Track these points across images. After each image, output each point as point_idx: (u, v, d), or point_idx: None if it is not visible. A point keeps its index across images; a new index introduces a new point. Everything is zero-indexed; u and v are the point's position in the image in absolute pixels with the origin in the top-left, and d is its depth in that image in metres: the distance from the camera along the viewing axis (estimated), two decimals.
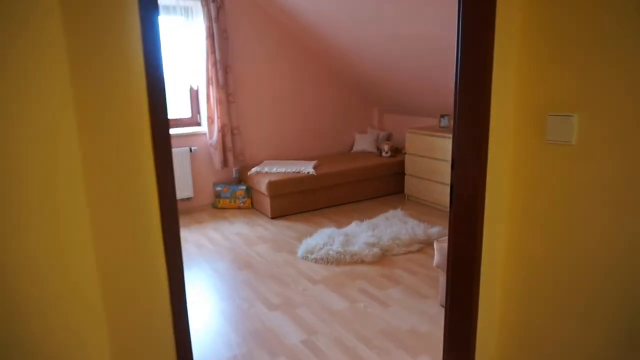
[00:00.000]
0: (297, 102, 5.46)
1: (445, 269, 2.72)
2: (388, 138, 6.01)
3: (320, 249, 3.58)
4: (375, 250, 3.54)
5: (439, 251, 2.68)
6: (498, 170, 1.61)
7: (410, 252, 3.63)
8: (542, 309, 1.64)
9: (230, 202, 4.96)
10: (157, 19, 1.21)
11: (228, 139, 4.86)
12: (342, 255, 3.48)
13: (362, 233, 3.86)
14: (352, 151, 5.91)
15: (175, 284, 1.42)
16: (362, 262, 3.46)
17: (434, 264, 2.76)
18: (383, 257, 3.55)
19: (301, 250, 3.63)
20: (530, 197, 1.59)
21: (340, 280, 3.18)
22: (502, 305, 1.76)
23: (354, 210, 4.80)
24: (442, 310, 2.71)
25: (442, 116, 4.80)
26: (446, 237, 2.76)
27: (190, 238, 4.12)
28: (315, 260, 3.49)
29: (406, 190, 5.15)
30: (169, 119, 1.33)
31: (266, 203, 4.63)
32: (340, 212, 4.75)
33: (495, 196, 1.63)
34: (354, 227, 4.05)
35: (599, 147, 1.38)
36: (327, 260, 3.47)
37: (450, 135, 4.55)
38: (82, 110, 1.17)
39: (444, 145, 4.54)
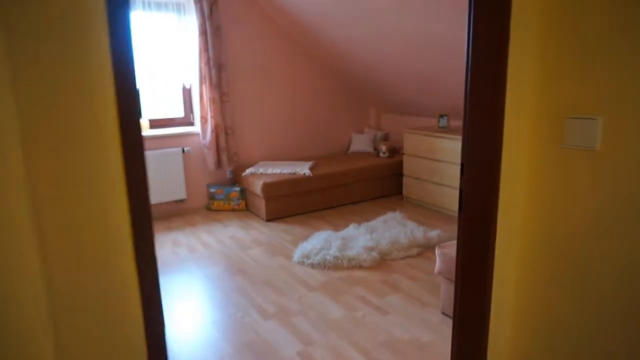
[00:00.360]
0: (293, 102, 5.34)
1: (447, 276, 2.62)
2: (385, 138, 5.90)
3: (317, 253, 3.46)
4: (374, 254, 3.42)
5: (441, 257, 2.57)
6: (512, 176, 1.48)
7: (409, 256, 3.52)
8: (558, 323, 1.52)
9: (224, 204, 4.83)
10: (127, 9, 1.09)
11: (222, 139, 4.73)
12: (340, 260, 3.36)
13: (359, 236, 3.74)
14: (349, 151, 5.80)
15: (148, 294, 1.29)
16: (360, 267, 3.35)
17: (435, 271, 2.65)
18: (382, 261, 3.43)
19: (297, 254, 3.51)
20: (546, 206, 1.47)
21: (338, 287, 3.06)
22: (516, 319, 1.64)
23: (351, 212, 4.68)
24: (444, 319, 2.60)
25: (441, 116, 4.69)
26: (448, 243, 2.65)
27: (183, 241, 3.99)
28: (312, 265, 3.37)
29: (404, 192, 5.04)
30: (138, 116, 1.21)
31: (261, 205, 4.50)
32: (337, 214, 4.63)
33: (509, 204, 1.51)
34: (351, 230, 3.93)
35: (626, 153, 1.26)
36: (324, 265, 3.35)
37: (450, 136, 4.50)
38: (29, 111, 1.06)
39: (444, 146, 4.43)
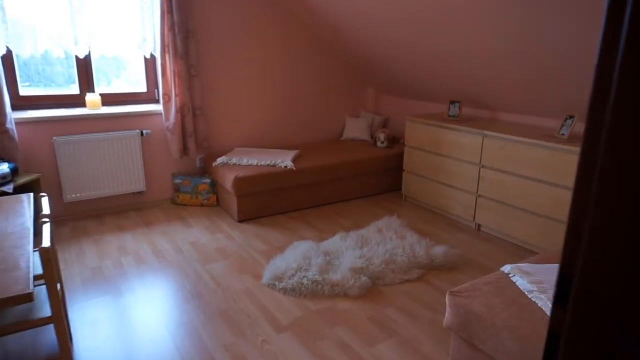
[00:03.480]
0: (278, 78, 4.54)
1: (461, 334, 1.93)
2: (384, 124, 5.13)
3: (292, 275, 2.76)
4: (363, 279, 2.72)
5: (454, 309, 1.86)
6: None
7: (408, 280, 2.82)
8: None
9: (191, 198, 4.10)
10: None
11: (189, 121, 3.95)
12: (320, 286, 2.67)
13: (347, 251, 3.04)
14: (341, 138, 5.04)
15: None
16: (345, 295, 2.65)
17: (444, 323, 1.95)
18: (373, 288, 2.74)
19: (268, 274, 2.81)
20: None
21: (315, 327, 2.37)
22: None
23: (340, 214, 3.97)
24: None
25: (452, 103, 3.92)
26: (463, 288, 1.94)
27: (132, 247, 3.27)
28: (285, 291, 2.67)
29: (404, 190, 4.31)
30: None
31: (232, 203, 3.78)
32: (323, 216, 3.92)
33: None
34: (337, 241, 3.22)
35: None
36: (299, 292, 2.65)
37: (462, 128, 3.72)
38: None
39: (453, 139, 3.69)
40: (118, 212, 3.93)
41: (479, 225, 3.66)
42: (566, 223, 0.57)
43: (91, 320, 2.40)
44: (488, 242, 3.43)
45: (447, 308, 1.91)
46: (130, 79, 4.07)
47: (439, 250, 3.07)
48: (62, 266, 2.98)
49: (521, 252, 3.25)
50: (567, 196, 2.94)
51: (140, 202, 4.06)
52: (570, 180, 2.91)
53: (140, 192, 4.03)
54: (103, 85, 3.92)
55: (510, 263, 3.10)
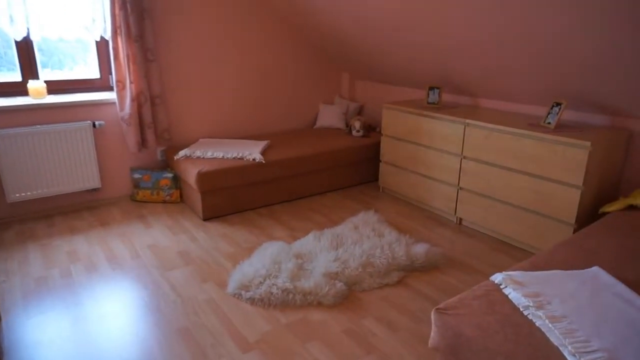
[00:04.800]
0: (245, 63, 4.21)
1: (447, 355, 1.72)
2: (359, 112, 4.88)
3: (261, 282, 2.50)
4: (339, 285, 2.49)
5: (441, 329, 1.64)
6: None
7: (387, 285, 2.61)
8: None
9: (152, 195, 3.77)
10: None
11: (146, 110, 3.60)
12: (291, 295, 2.42)
13: (321, 253, 2.80)
14: (315, 127, 4.76)
15: None
16: (319, 304, 2.41)
17: (429, 343, 1.73)
18: (349, 294, 2.51)
19: (233, 282, 2.55)
20: None
21: (285, 344, 2.12)
22: None
23: (313, 209, 3.71)
24: None
25: (431, 89, 3.68)
26: (450, 303, 1.72)
27: (84, 252, 2.95)
28: (252, 301, 2.41)
29: (381, 182, 4.09)
30: None
31: (196, 200, 3.47)
32: (296, 211, 3.66)
33: None
34: (310, 241, 2.97)
35: None
36: (268, 302, 2.40)
37: (441, 116, 3.48)
38: None
39: (432, 128, 3.46)
40: (70, 212, 3.58)
41: (461, 220, 3.47)
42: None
43: (30, 343, 2.09)
44: (471, 237, 3.24)
45: (433, 327, 1.69)
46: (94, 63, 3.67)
47: (419, 249, 2.86)
48: (1, 277, 2.65)
49: (506, 249, 3.07)
50: (553, 189, 2.76)
51: (95, 200, 3.71)
52: (557, 172, 2.72)
53: (94, 189, 3.68)
54: (66, 69, 3.54)
55: (495, 261, 2.94)
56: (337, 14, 3.65)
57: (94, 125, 3.52)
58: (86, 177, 3.54)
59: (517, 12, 2.48)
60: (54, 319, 2.28)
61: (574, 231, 2.71)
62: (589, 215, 2.79)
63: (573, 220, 2.69)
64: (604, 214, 2.80)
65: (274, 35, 4.30)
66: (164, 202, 3.79)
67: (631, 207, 2.61)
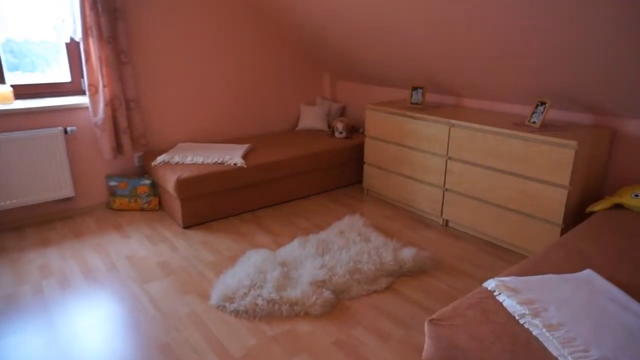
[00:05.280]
0: (224, 64, 4.09)
1: None
2: (342, 113, 4.81)
3: (245, 293, 2.41)
4: (326, 294, 2.41)
5: (435, 341, 1.58)
6: None
7: (375, 292, 2.54)
8: None
9: (129, 202, 3.62)
10: None
11: (121, 115, 3.46)
12: (277, 306, 2.33)
13: (306, 260, 2.71)
14: (296, 129, 4.67)
15: None
16: (307, 315, 2.33)
17: (423, 356, 1.66)
18: (337, 303, 2.43)
19: (216, 293, 2.44)
20: None
21: (272, 358, 2.03)
22: None
23: (297, 214, 3.62)
24: None
25: (415, 89, 3.63)
26: (445, 312, 1.66)
27: (57, 266, 2.80)
28: (237, 313, 2.32)
29: (365, 184, 4.02)
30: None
31: (176, 207, 3.35)
32: (279, 217, 3.56)
33: None
34: (296, 248, 2.88)
35: None
36: (253, 314, 2.30)
37: (425, 116, 3.43)
38: None
39: (416, 129, 3.41)
40: (42, 223, 3.41)
41: (447, 221, 3.43)
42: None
43: None
44: (458, 239, 3.20)
45: (427, 339, 1.62)
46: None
47: (407, 253, 2.80)
48: None
49: (494, 251, 3.03)
50: (539, 189, 2.73)
51: (69, 210, 3.55)
52: (543, 172, 2.69)
53: (68, 199, 3.51)
54: (38, 72, 3.37)
55: (483, 263, 2.89)
56: (317, 13, 3.57)
57: (65, 131, 3.36)
58: (58, 185, 3.37)
59: (501, 12, 2.44)
60: (24, 340, 2.14)
61: (562, 231, 2.69)
62: (575, 215, 2.78)
63: (560, 221, 2.67)
64: (591, 213, 2.79)
65: (253, 36, 4.19)
66: (142, 210, 3.65)
67: (617, 206, 2.61)
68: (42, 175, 3.28)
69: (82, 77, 3.51)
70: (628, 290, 1.75)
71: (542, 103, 2.85)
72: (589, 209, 2.68)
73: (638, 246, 2.13)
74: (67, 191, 3.43)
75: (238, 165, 3.43)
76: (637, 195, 2.51)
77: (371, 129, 3.82)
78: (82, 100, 3.44)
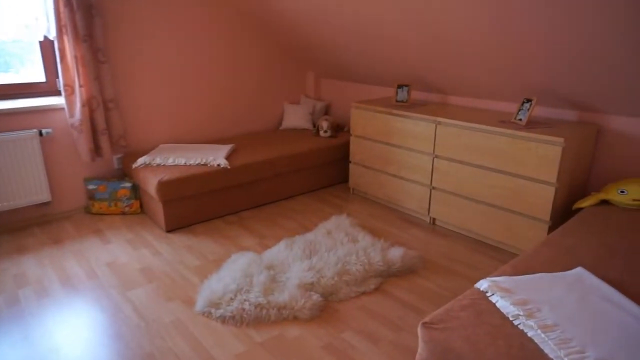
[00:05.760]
0: (206, 62, 4.00)
1: None
2: (326, 111, 4.76)
3: (232, 299, 2.34)
4: (315, 297, 2.36)
5: (429, 344, 1.54)
6: None
7: (364, 293, 2.50)
8: None
9: (109, 206, 3.51)
10: None
11: (99, 116, 3.35)
12: (265, 311, 2.27)
13: (294, 263, 2.66)
14: (280, 128, 4.60)
15: None
16: (295, 319, 2.28)
17: (416, 359, 1.62)
18: (326, 306, 2.38)
19: (202, 298, 2.37)
20: None
21: None
22: None
23: (283, 214, 3.56)
24: None
25: (400, 87, 3.60)
26: (436, 315, 1.62)
27: (33, 275, 2.68)
28: (223, 320, 2.25)
29: (351, 183, 3.98)
30: None
31: (158, 210, 3.25)
32: (265, 218, 3.50)
33: None
34: (282, 250, 2.82)
35: None
36: (240, 320, 2.24)
37: (411, 114, 3.41)
38: None
39: (402, 127, 3.38)
40: (17, 229, 3.28)
41: (434, 220, 3.41)
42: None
43: None
44: (446, 238, 3.18)
45: (420, 342, 1.58)
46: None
47: (395, 253, 2.76)
48: None
49: (482, 248, 3.02)
50: (526, 186, 2.73)
51: (46, 215, 3.42)
52: (530, 169, 2.69)
53: (45, 203, 3.39)
54: (12, 72, 3.23)
55: (472, 262, 2.87)
56: (300, 11, 3.51)
57: (40, 133, 3.23)
58: (34, 190, 3.25)
59: (485, 9, 2.42)
60: None
61: (549, 228, 2.69)
62: (562, 211, 2.78)
63: (548, 217, 2.67)
64: (578, 210, 2.80)
65: (235, 34, 4.11)
66: (123, 213, 3.54)
67: (603, 202, 2.61)
68: (16, 180, 3.15)
69: (57, 77, 3.38)
70: (619, 288, 1.74)
71: (528, 100, 2.85)
72: (575, 206, 2.68)
73: (626, 242, 2.13)
74: (44, 196, 3.30)
75: (221, 166, 3.35)
76: (622, 192, 2.52)
77: (356, 128, 3.78)
78: (58, 100, 3.31)
